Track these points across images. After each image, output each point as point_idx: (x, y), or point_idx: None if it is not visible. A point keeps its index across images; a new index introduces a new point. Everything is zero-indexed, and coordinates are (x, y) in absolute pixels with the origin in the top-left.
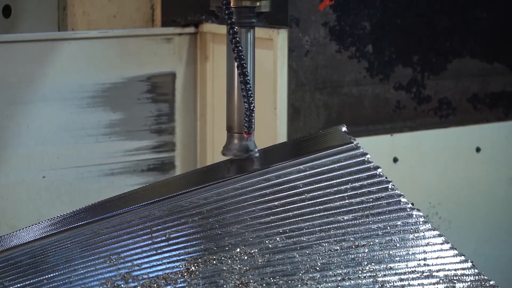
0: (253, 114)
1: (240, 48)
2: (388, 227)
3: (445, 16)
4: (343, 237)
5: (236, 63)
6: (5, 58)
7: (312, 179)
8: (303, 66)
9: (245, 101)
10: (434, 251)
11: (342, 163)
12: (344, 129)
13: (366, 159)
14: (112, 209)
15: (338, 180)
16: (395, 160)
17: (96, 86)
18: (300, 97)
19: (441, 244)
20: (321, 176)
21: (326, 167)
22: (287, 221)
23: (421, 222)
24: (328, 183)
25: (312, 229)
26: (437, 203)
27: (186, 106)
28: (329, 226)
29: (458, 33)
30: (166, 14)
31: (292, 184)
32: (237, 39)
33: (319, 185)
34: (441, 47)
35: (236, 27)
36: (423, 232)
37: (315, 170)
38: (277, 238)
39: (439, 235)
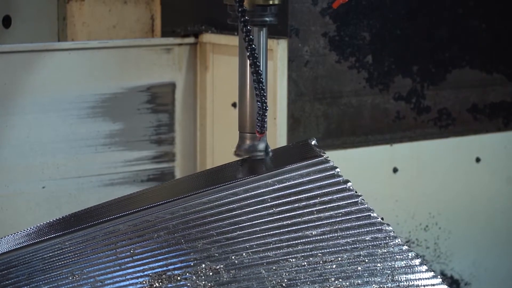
0: (266, 114)
1: (253, 46)
2: (357, 242)
3: (444, 27)
4: (310, 253)
5: (249, 62)
6: (5, 68)
7: (280, 193)
8: (302, 76)
9: (258, 100)
10: (403, 266)
11: (311, 177)
12: (314, 142)
13: (335, 172)
14: (77, 223)
15: (307, 195)
16: (395, 170)
17: (96, 97)
18: (300, 107)
19: (411, 259)
20: (290, 190)
21: (295, 181)
22: (254, 236)
23: (391, 237)
24: (297, 197)
25: (279, 244)
26: (437, 213)
27: (186, 116)
28: (296, 241)
29: (457, 44)
30: (165, 24)
31: (260, 198)
32: (251, 37)
33: (287, 199)
34: (441, 58)
35: (249, 25)
36: (393, 247)
37: (283, 184)
38: (244, 254)
39: (409, 250)
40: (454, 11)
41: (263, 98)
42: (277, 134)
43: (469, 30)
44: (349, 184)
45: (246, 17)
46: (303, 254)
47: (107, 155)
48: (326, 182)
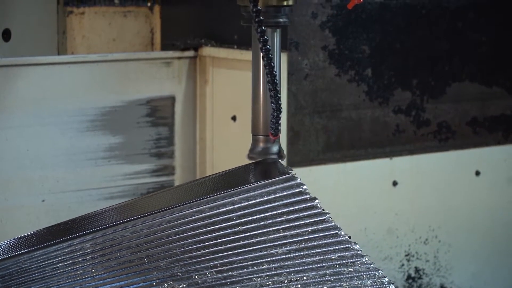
0: (280, 115)
1: (268, 47)
2: (323, 261)
3: (444, 40)
4: (275, 272)
5: (263, 63)
6: (5, 82)
7: (246, 211)
8: (302, 89)
9: (272, 102)
10: (370, 285)
11: (278, 195)
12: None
13: (302, 190)
14: (38, 241)
15: (273, 212)
16: (395, 183)
17: (95, 110)
18: (300, 121)
19: (379, 278)
20: (256, 208)
21: (261, 199)
22: (219, 254)
23: (358, 256)
24: (263, 215)
25: (244, 263)
26: (437, 227)
27: (185, 129)
28: (262, 260)
29: (457, 57)
30: (165, 38)
31: (226, 216)
32: (266, 37)
33: (253, 217)
34: (440, 71)
35: (263, 26)
36: (359, 266)
37: (249, 202)
38: (207, 273)
39: (376, 269)
40: (453, 24)
41: (277, 99)
42: None
43: (469, 43)
44: (316, 201)
45: (261, 17)
46: (268, 273)
47: (106, 169)
48: (293, 199)
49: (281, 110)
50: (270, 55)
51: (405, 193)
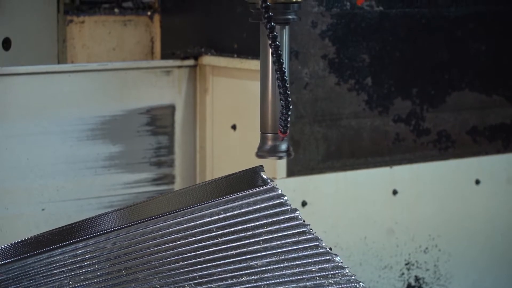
0: (289, 112)
1: (277, 43)
2: (304, 273)
3: (444, 49)
4: (255, 284)
5: (273, 59)
6: (5, 91)
7: (226, 222)
8: (302, 98)
9: (281, 99)
10: None
11: (258, 206)
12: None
13: (283, 201)
14: (16, 253)
15: (253, 224)
16: (395, 192)
17: (95, 119)
18: (300, 130)
19: None
20: (236, 220)
21: (242, 210)
22: (198, 266)
23: (339, 268)
24: (243, 226)
25: (223, 276)
26: (437, 235)
27: (185, 138)
28: (241, 272)
29: (456, 66)
30: (165, 46)
31: (205, 228)
32: (275, 33)
33: (233, 229)
34: (440, 80)
35: (273, 22)
36: (340, 278)
37: (229, 213)
38: (186, 285)
39: (357, 281)
40: (453, 33)
41: (287, 96)
42: None
43: (469, 52)
44: (297, 212)
45: (270, 13)
46: (247, 286)
47: (106, 178)
48: (273, 211)
49: (290, 107)
50: (279, 52)
51: (405, 202)
